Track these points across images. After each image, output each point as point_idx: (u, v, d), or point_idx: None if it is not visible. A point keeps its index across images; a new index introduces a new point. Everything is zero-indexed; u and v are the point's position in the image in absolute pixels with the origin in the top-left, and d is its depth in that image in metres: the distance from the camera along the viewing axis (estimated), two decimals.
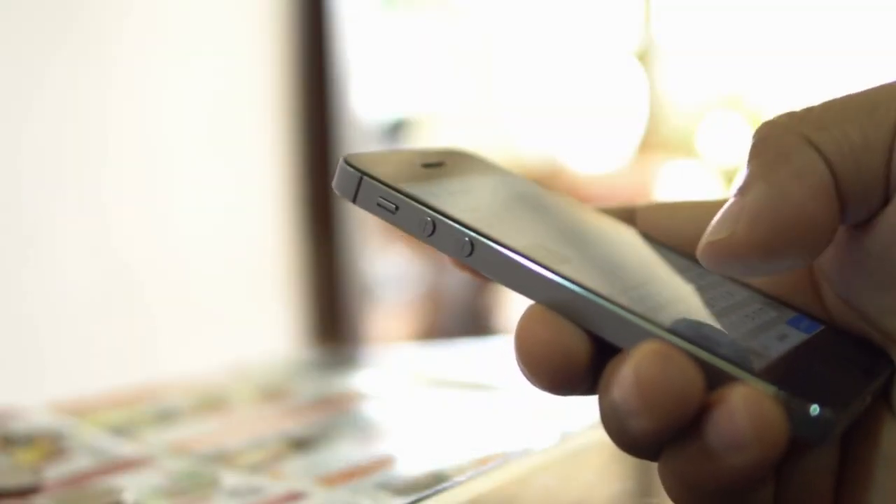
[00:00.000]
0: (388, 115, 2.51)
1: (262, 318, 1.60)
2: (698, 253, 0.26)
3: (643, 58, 2.99)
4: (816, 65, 2.76)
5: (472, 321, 2.22)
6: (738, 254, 0.25)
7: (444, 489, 0.35)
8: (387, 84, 2.43)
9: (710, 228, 0.26)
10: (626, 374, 0.24)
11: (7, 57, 1.23)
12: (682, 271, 0.30)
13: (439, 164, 0.32)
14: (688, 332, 0.25)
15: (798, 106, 0.27)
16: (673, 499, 0.25)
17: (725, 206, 0.26)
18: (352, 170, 0.29)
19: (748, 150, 0.26)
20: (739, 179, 0.26)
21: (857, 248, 0.26)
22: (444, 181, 0.30)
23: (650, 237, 0.32)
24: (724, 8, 2.92)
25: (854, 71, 2.64)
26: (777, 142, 0.26)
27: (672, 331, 0.25)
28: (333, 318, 1.69)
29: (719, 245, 0.25)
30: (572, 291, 0.26)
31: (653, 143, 2.95)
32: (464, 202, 0.29)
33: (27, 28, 1.24)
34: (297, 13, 1.61)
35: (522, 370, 0.26)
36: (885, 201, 0.26)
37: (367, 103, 1.79)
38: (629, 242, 0.31)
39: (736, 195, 0.25)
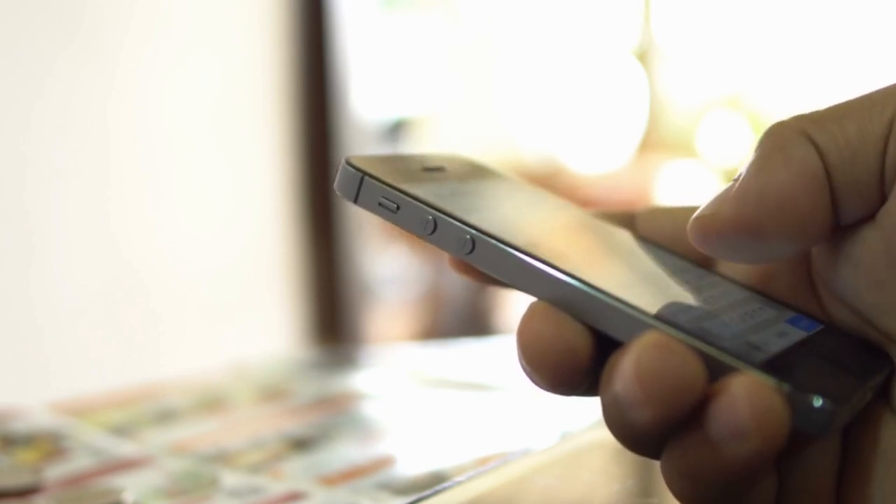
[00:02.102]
0: (388, 115, 2.51)
1: (263, 317, 1.60)
2: (688, 230, 0.27)
3: (643, 58, 2.99)
4: (816, 64, 2.76)
5: (472, 321, 2.22)
6: (723, 231, 0.26)
7: (444, 489, 0.35)
8: (387, 84, 2.44)
9: (700, 208, 0.27)
10: (628, 365, 0.24)
11: (10, 58, 1.23)
12: (681, 272, 0.30)
13: (440, 168, 0.32)
14: (689, 325, 0.25)
15: (801, 107, 0.27)
16: (675, 492, 0.25)
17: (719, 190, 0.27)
18: (353, 170, 0.29)
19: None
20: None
21: (856, 245, 0.27)
22: (445, 183, 0.30)
23: (648, 240, 0.32)
24: (724, 8, 2.92)
25: (854, 71, 2.64)
26: (776, 135, 0.26)
27: (673, 324, 0.25)
28: (333, 318, 1.69)
29: (705, 220, 0.26)
30: (574, 287, 0.26)
31: (653, 143, 2.96)
32: (464, 202, 0.29)
33: (30, 29, 1.24)
34: (297, 13, 1.61)
35: (525, 367, 0.26)
36: (882, 198, 0.26)
37: (367, 103, 1.79)
38: (629, 244, 0.31)
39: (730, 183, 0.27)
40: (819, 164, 0.26)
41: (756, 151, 0.26)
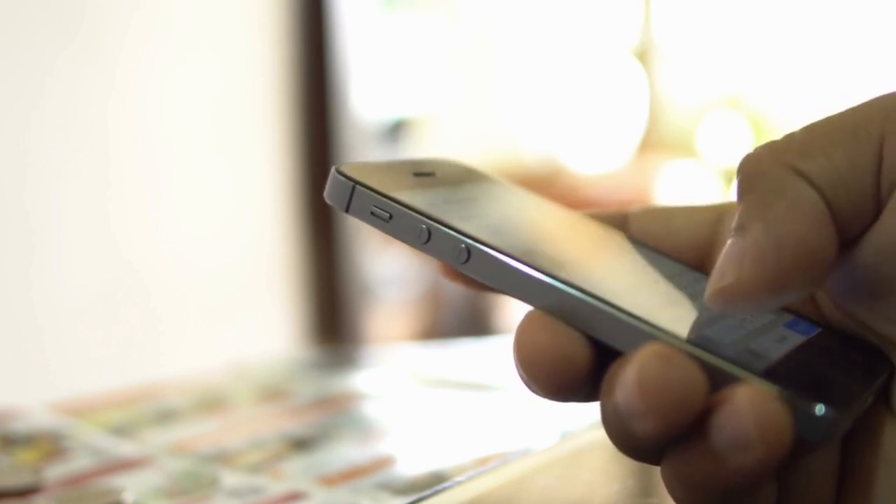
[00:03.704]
0: (388, 115, 2.51)
1: (263, 318, 1.60)
2: (707, 299, 0.26)
3: (643, 58, 2.99)
4: (816, 64, 2.76)
5: (472, 321, 2.22)
6: (747, 295, 0.25)
7: (444, 489, 0.35)
8: (387, 84, 2.43)
9: (714, 275, 0.25)
10: (629, 376, 0.24)
11: (10, 58, 1.23)
12: (675, 276, 0.30)
13: (430, 173, 0.31)
14: (689, 334, 0.25)
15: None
16: (676, 499, 0.25)
17: (726, 248, 0.25)
18: (344, 179, 0.28)
19: (737, 187, 0.26)
20: (735, 219, 0.26)
21: (851, 257, 0.26)
22: (436, 190, 0.30)
23: (641, 243, 0.32)
24: (724, 8, 2.92)
25: (853, 71, 2.64)
26: (766, 176, 0.25)
27: (673, 333, 0.25)
28: (333, 318, 1.69)
29: (728, 290, 0.25)
30: (572, 295, 0.26)
31: (653, 143, 2.95)
32: (457, 210, 0.29)
33: (30, 29, 1.24)
34: (297, 13, 1.61)
35: (522, 376, 0.26)
36: (877, 210, 0.26)
37: (367, 103, 1.79)
38: (622, 248, 0.31)
39: (735, 236, 0.25)
40: (821, 203, 0.25)
41: (749, 195, 0.25)
